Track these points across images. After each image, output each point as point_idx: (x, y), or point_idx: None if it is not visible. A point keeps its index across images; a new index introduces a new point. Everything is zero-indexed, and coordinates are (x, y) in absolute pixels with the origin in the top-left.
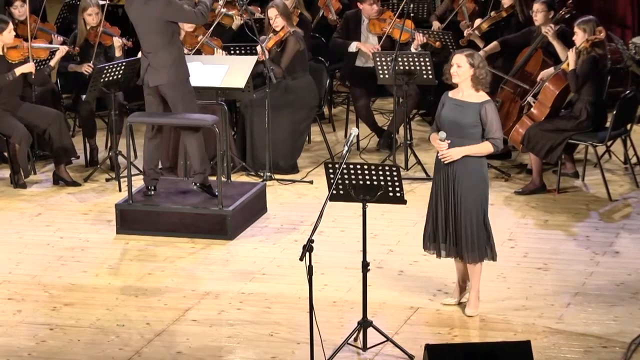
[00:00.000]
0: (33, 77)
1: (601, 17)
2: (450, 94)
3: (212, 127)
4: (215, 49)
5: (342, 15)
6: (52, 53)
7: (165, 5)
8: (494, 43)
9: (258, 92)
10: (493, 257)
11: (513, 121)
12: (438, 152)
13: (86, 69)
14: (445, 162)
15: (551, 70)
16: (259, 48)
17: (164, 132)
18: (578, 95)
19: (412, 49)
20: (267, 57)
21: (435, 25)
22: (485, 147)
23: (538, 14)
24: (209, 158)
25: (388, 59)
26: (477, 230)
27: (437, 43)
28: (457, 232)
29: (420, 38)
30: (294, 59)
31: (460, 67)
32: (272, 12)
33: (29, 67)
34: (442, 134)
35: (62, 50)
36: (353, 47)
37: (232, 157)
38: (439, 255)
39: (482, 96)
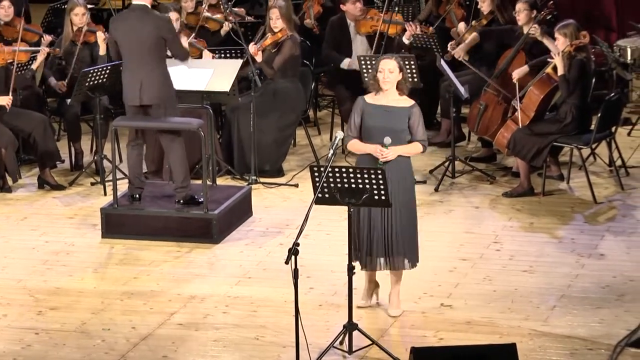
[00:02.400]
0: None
1: (585, 19)
2: (369, 99)
3: (197, 130)
4: (202, 50)
5: (321, 20)
6: (34, 57)
7: (165, 22)
8: (473, 34)
9: (243, 95)
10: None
11: (498, 124)
12: (363, 158)
13: (60, 87)
14: (389, 159)
15: (524, 69)
16: (251, 48)
17: (148, 137)
18: (563, 98)
19: (405, 40)
20: (254, 62)
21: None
22: (416, 148)
23: (520, 13)
24: (194, 162)
25: (373, 61)
26: (413, 234)
27: (430, 29)
28: (391, 239)
29: (412, 28)
30: (287, 63)
31: (392, 73)
32: (274, 13)
33: (4, 100)
34: (388, 140)
35: (43, 52)
36: (345, 64)
37: (218, 160)
38: (367, 268)
39: (407, 100)
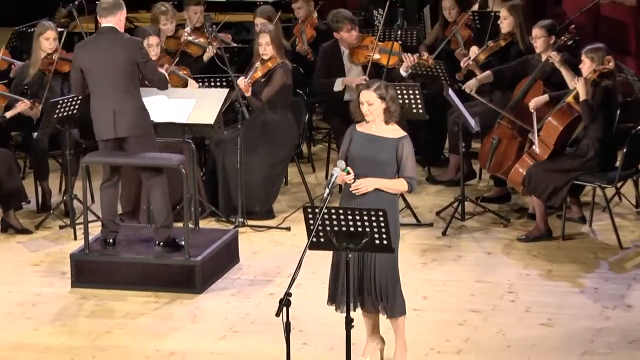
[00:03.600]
0: None
1: (608, 44)
2: (359, 127)
3: (178, 167)
4: (188, 80)
5: (315, 45)
6: (10, 104)
7: (136, 45)
8: (487, 73)
9: (230, 129)
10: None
11: (512, 160)
12: (344, 192)
13: (31, 110)
14: (357, 194)
15: (544, 97)
16: (240, 82)
17: (124, 175)
18: (585, 131)
19: (402, 72)
20: (248, 93)
21: (425, 56)
22: (400, 184)
23: (537, 39)
24: (175, 202)
25: None
26: (395, 278)
27: (431, 60)
28: (372, 282)
29: (410, 59)
30: (278, 94)
31: (372, 105)
32: (263, 39)
33: None
34: (342, 163)
35: (24, 105)
36: (338, 84)
37: (201, 201)
38: (349, 310)
39: (397, 131)
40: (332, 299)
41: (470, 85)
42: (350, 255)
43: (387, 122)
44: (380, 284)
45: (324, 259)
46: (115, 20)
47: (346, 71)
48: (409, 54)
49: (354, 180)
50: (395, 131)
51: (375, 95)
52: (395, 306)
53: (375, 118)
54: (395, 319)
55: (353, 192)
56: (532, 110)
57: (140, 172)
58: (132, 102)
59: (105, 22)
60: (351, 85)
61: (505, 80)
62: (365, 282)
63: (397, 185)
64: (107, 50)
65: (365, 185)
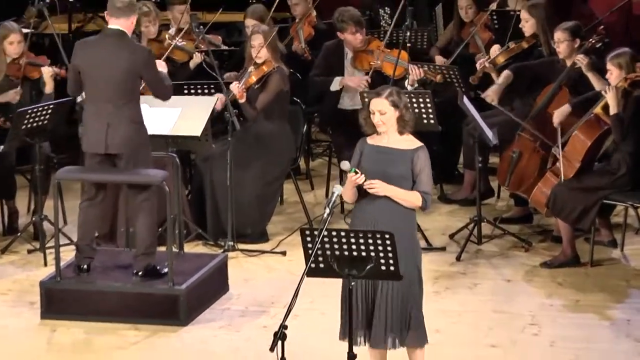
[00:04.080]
0: None
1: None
2: (370, 140)
3: (161, 184)
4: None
5: (313, 45)
6: None
7: (145, 55)
8: (506, 73)
9: (218, 141)
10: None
11: (534, 177)
12: (353, 214)
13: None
14: (372, 192)
15: (565, 108)
16: (233, 87)
17: (108, 195)
18: (616, 144)
19: (407, 86)
20: (242, 99)
21: (439, 59)
22: (414, 197)
23: (560, 44)
24: (157, 223)
25: None
26: (420, 304)
27: (438, 76)
28: (390, 310)
29: (416, 72)
30: (274, 101)
31: (385, 114)
32: (256, 40)
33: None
34: (346, 164)
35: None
36: (336, 83)
37: (186, 222)
38: (352, 345)
39: (413, 141)
40: (345, 333)
41: (490, 95)
42: (353, 283)
43: (401, 132)
44: (401, 312)
45: (323, 287)
46: (127, 24)
47: (346, 74)
48: (416, 66)
49: (364, 180)
50: (410, 142)
51: (387, 103)
52: (422, 336)
53: (388, 129)
54: (416, 350)
55: (367, 190)
56: (557, 125)
57: (128, 192)
58: (129, 115)
59: (114, 22)
60: (349, 86)
61: (525, 79)
62: (379, 312)
63: (411, 197)
64: (111, 56)
65: (378, 187)
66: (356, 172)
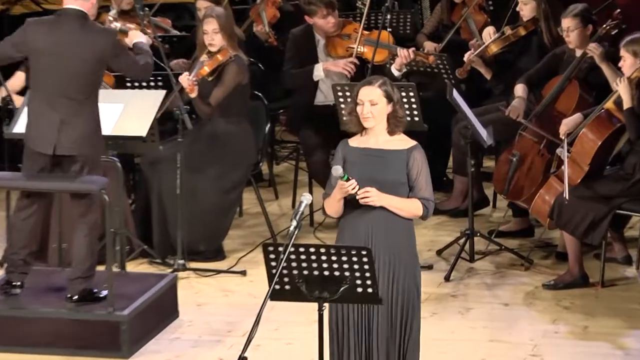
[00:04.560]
0: None
1: None
2: (353, 142)
3: (99, 193)
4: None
5: (278, 28)
6: None
7: (111, 38)
8: (520, 86)
9: (167, 143)
10: None
11: (537, 185)
12: (341, 232)
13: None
14: (362, 203)
15: (576, 118)
16: (183, 79)
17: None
18: (630, 145)
19: (394, 71)
20: (193, 94)
21: (429, 45)
22: (415, 206)
23: (571, 33)
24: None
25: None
26: (416, 332)
27: (431, 57)
28: (387, 338)
29: (405, 54)
30: (232, 96)
31: (376, 105)
32: (210, 25)
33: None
34: (339, 169)
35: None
36: (319, 70)
37: (129, 237)
38: None
39: (405, 140)
40: None
41: (517, 110)
42: (325, 307)
43: (391, 133)
44: (400, 342)
45: (290, 312)
46: (88, 4)
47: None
48: (404, 49)
49: (357, 188)
50: (402, 141)
51: (380, 93)
52: None
53: (377, 124)
54: None
55: (361, 201)
56: (564, 137)
57: (70, 203)
58: (87, 112)
59: (71, 2)
60: (336, 69)
61: (537, 85)
62: (377, 343)
63: (411, 206)
64: (70, 41)
65: (373, 195)
66: (348, 179)
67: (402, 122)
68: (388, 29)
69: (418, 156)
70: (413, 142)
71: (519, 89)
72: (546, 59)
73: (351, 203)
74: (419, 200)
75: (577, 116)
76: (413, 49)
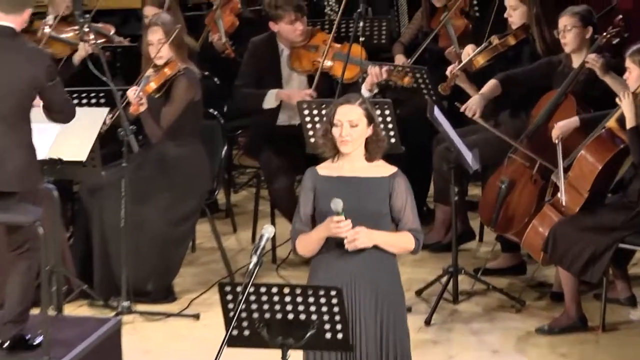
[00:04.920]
0: None
1: None
2: (324, 170)
3: (33, 226)
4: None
5: (237, 38)
6: None
7: (45, 61)
8: (492, 83)
9: (110, 168)
10: None
11: (529, 214)
12: (314, 274)
13: None
14: (350, 249)
15: (572, 121)
16: (130, 94)
17: None
18: (635, 169)
19: (364, 91)
20: (139, 112)
21: (399, 59)
22: (406, 240)
23: (567, 33)
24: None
25: (322, 108)
26: None
27: (406, 79)
28: None
29: (376, 72)
30: (182, 115)
31: (356, 127)
32: (155, 35)
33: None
34: (339, 203)
35: None
36: (271, 99)
37: (67, 275)
38: None
39: (384, 166)
40: None
41: (472, 107)
42: (289, 355)
43: (370, 159)
44: None
45: (252, 358)
46: (20, 20)
47: (283, 81)
48: (376, 66)
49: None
50: (381, 167)
51: (361, 112)
52: None
53: (354, 149)
54: None
55: (346, 248)
56: (557, 141)
57: (5, 235)
58: (21, 142)
59: (2, 18)
60: (289, 102)
61: (518, 89)
62: None
63: (401, 241)
64: (3, 61)
65: (363, 237)
66: (345, 217)
67: (382, 148)
68: (361, 38)
69: (402, 184)
70: (394, 168)
71: (489, 85)
72: (539, 63)
73: (327, 238)
74: (409, 233)
75: (574, 120)
76: (386, 67)
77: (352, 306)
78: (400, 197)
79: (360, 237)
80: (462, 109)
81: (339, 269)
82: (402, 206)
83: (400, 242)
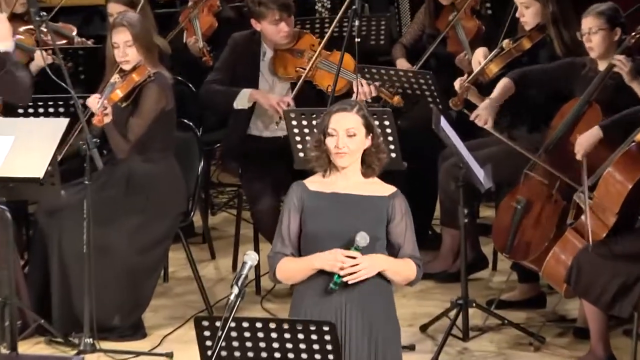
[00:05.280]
0: None
1: None
2: (313, 185)
3: None
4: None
5: (216, 42)
6: None
7: None
8: (503, 81)
9: (71, 187)
10: None
11: (549, 239)
12: (299, 303)
13: None
14: (350, 282)
15: (594, 133)
16: (91, 102)
17: None
18: None
19: None
20: (107, 120)
21: (401, 64)
22: (408, 267)
23: (593, 36)
24: None
25: (314, 122)
26: None
27: (396, 98)
28: None
29: (365, 90)
30: (153, 127)
31: (354, 137)
32: (121, 36)
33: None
34: (365, 237)
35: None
36: (244, 98)
37: (21, 308)
38: None
39: (381, 184)
40: None
41: (482, 115)
42: None
43: (366, 174)
44: None
45: None
46: None
47: (260, 84)
48: (365, 83)
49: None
50: (378, 185)
51: (359, 120)
52: None
53: (351, 162)
54: None
55: (348, 279)
56: (581, 158)
57: None
58: None
59: None
60: (263, 106)
61: (534, 90)
62: None
63: (404, 269)
64: None
65: (366, 267)
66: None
67: (382, 161)
68: (356, 39)
69: (402, 206)
70: (392, 188)
71: (501, 84)
72: (560, 63)
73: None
74: (411, 260)
75: (595, 131)
76: (375, 84)
77: (342, 343)
78: (398, 220)
79: (361, 269)
80: (472, 117)
81: (327, 300)
82: (403, 231)
83: (403, 270)
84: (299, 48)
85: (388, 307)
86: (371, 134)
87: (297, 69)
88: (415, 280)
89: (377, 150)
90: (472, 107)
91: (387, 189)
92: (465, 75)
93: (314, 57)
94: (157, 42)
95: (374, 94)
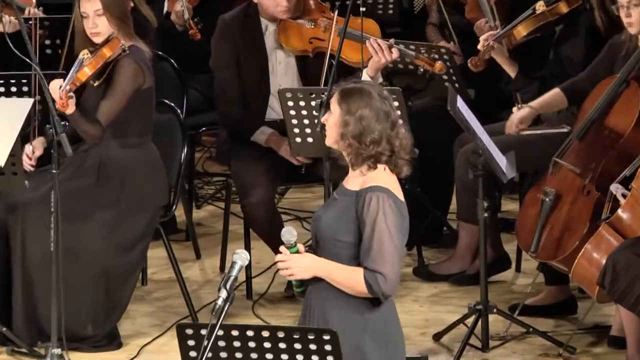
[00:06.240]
0: None
1: None
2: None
3: None
4: None
5: (203, 13)
6: None
7: None
8: (553, 92)
9: (36, 176)
10: None
11: (581, 236)
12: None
13: None
14: (285, 275)
15: (633, 114)
16: (54, 88)
17: None
18: None
19: (366, 75)
20: (69, 109)
21: (446, 45)
22: (354, 278)
23: (634, 10)
24: None
25: (312, 102)
26: None
27: (438, 64)
28: None
29: (384, 53)
30: (128, 108)
31: (329, 118)
32: (89, 4)
33: None
34: (291, 233)
35: None
36: (261, 138)
37: None
38: None
39: (369, 178)
40: None
41: (522, 118)
42: None
43: (354, 166)
44: None
45: None
46: None
47: (270, 64)
48: (384, 43)
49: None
50: (361, 178)
51: (335, 98)
52: None
53: (334, 146)
54: None
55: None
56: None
57: None
58: None
59: None
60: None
61: (584, 97)
62: None
63: (348, 276)
64: None
65: (298, 266)
66: (298, 250)
67: (364, 155)
68: (362, 8)
69: (372, 202)
70: (374, 183)
71: (552, 94)
72: (601, 56)
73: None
74: (361, 270)
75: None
76: (400, 47)
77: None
78: (364, 219)
79: (295, 267)
80: (507, 130)
81: (304, 298)
82: (368, 235)
83: (344, 276)
84: (310, 17)
85: (356, 328)
86: (349, 116)
87: (311, 39)
88: (374, 293)
89: (354, 141)
90: (491, 79)
91: (368, 181)
92: (490, 31)
93: (335, 24)
94: (144, 12)
95: (393, 57)
